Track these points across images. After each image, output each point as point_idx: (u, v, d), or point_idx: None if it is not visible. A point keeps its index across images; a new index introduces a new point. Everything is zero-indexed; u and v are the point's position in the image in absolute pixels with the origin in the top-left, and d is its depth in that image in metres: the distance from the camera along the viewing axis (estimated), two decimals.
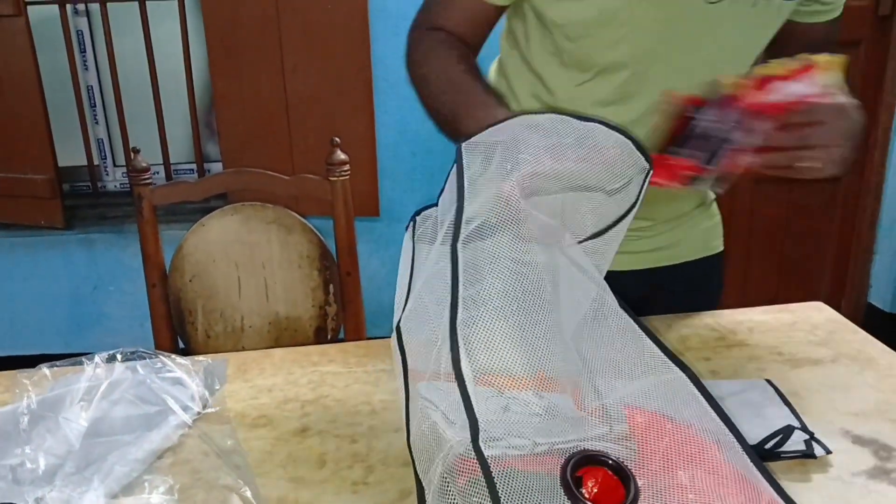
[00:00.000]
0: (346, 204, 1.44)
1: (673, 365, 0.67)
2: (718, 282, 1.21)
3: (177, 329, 1.49)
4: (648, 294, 1.12)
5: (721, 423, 0.63)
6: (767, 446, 0.77)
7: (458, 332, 0.60)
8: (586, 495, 0.56)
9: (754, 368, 0.96)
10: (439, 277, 0.67)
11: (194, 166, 2.54)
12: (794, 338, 1.04)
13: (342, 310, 1.50)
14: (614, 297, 0.72)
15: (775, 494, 0.57)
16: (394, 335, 0.79)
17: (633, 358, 0.69)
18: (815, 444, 0.77)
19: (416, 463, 0.65)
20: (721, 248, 1.19)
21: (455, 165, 0.72)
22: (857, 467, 0.76)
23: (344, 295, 1.48)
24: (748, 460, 0.59)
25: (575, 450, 0.60)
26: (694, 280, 1.17)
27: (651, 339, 0.69)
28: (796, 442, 0.77)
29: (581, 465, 0.59)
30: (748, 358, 0.99)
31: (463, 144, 0.73)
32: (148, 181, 1.41)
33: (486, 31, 1.02)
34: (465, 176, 0.70)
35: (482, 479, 0.53)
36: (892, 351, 1.00)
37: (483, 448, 0.55)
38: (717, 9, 0.88)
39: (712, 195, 1.16)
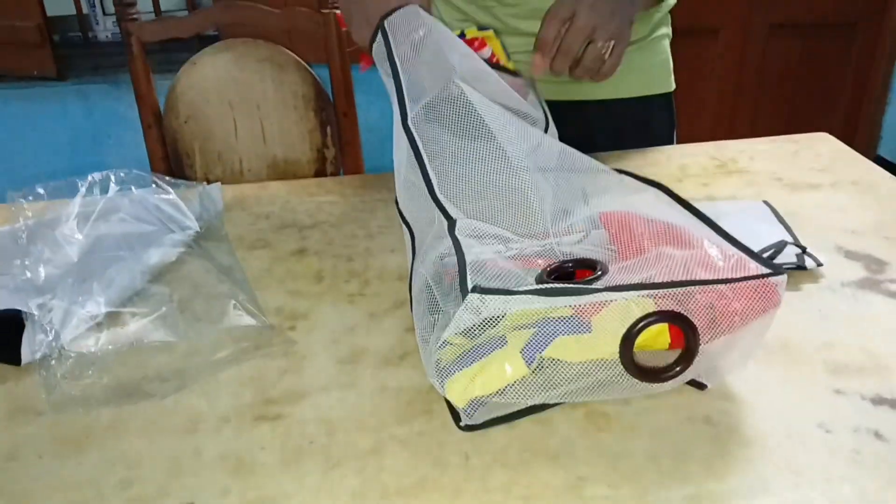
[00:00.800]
0: (340, 38, 1.39)
1: (649, 186, 0.67)
2: (668, 123, 1.15)
3: (175, 172, 1.49)
4: (582, 132, 1.03)
5: (699, 222, 0.63)
6: None
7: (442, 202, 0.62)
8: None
9: (753, 192, 0.95)
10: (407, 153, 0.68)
11: (186, 13, 2.44)
12: (796, 165, 1.03)
13: (340, 152, 1.48)
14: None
15: (750, 259, 0.57)
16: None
17: (603, 184, 0.68)
18: (806, 257, 0.77)
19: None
20: (670, 89, 1.12)
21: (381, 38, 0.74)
22: (847, 278, 0.77)
23: (342, 137, 1.46)
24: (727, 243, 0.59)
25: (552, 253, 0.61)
26: (633, 120, 1.11)
27: (617, 171, 0.69)
28: (788, 255, 0.78)
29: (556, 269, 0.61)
30: (747, 183, 0.98)
31: (385, 22, 0.75)
32: (135, 15, 1.36)
33: None
34: (396, 55, 0.73)
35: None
36: (894, 177, 0.99)
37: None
38: None
39: (658, 32, 1.08)
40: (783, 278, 0.54)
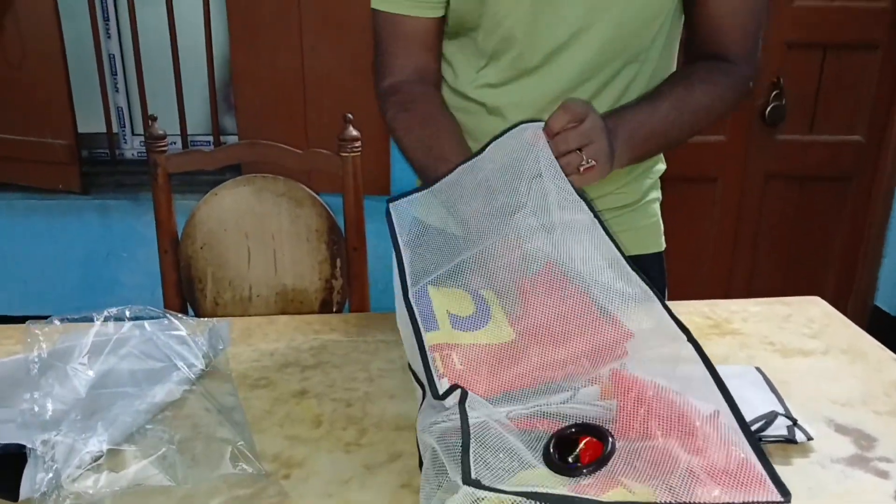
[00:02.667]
0: (356, 179, 1.46)
1: (683, 336, 0.67)
2: (660, 280, 1.18)
3: (186, 296, 1.52)
4: None
5: (719, 396, 0.63)
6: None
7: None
8: (578, 453, 0.60)
9: (745, 356, 0.98)
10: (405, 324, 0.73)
11: (211, 138, 2.57)
12: (788, 329, 1.06)
13: (348, 284, 1.52)
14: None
15: (758, 464, 0.58)
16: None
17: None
18: (797, 430, 0.79)
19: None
20: (660, 249, 1.16)
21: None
22: (837, 454, 0.78)
23: (350, 270, 1.51)
24: (740, 433, 0.60)
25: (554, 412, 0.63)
26: None
27: (663, 306, 0.69)
28: (779, 427, 0.79)
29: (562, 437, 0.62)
30: (740, 346, 1.01)
31: (390, 206, 0.84)
32: (163, 148, 1.44)
33: (435, 49, 1.03)
34: (399, 235, 0.80)
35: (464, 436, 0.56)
36: (883, 347, 1.01)
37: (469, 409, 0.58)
38: None
39: (649, 196, 1.14)
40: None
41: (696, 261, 2.51)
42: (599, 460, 0.58)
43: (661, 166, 1.14)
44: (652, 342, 0.68)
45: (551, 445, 0.61)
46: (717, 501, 0.54)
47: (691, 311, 1.10)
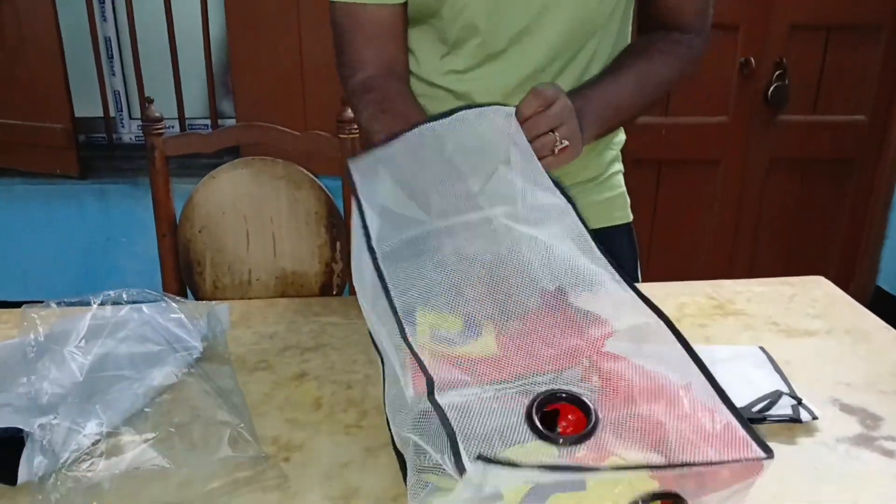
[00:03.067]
0: None
1: (651, 312, 0.67)
2: (630, 254, 1.18)
3: (185, 280, 1.52)
4: None
5: (694, 368, 0.63)
6: (755, 409, 0.78)
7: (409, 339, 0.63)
8: (559, 430, 0.58)
9: (749, 337, 0.97)
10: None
11: (208, 122, 2.55)
12: (792, 309, 1.05)
13: (348, 267, 1.51)
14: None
15: (739, 426, 0.58)
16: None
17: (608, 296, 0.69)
18: (801, 409, 0.78)
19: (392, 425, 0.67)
20: (626, 220, 1.16)
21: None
22: (843, 433, 0.77)
23: (350, 253, 1.50)
24: (718, 400, 0.60)
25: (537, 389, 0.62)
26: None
27: (625, 280, 0.69)
28: (784, 406, 0.79)
29: (543, 404, 0.61)
30: (744, 326, 1.00)
31: (350, 163, 0.81)
32: (161, 131, 1.42)
33: (401, 40, 1.00)
34: (360, 192, 0.77)
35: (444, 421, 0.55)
36: (888, 326, 1.00)
37: (438, 398, 0.57)
38: None
39: (612, 169, 1.14)
40: (770, 460, 0.55)
41: (698, 243, 2.50)
42: (586, 432, 0.58)
43: (622, 137, 1.16)
44: (626, 326, 0.67)
45: (536, 417, 0.60)
46: (711, 460, 0.55)
47: (695, 291, 1.09)
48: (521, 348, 0.67)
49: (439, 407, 0.56)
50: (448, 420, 0.55)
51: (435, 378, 0.60)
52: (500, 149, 0.81)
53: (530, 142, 0.80)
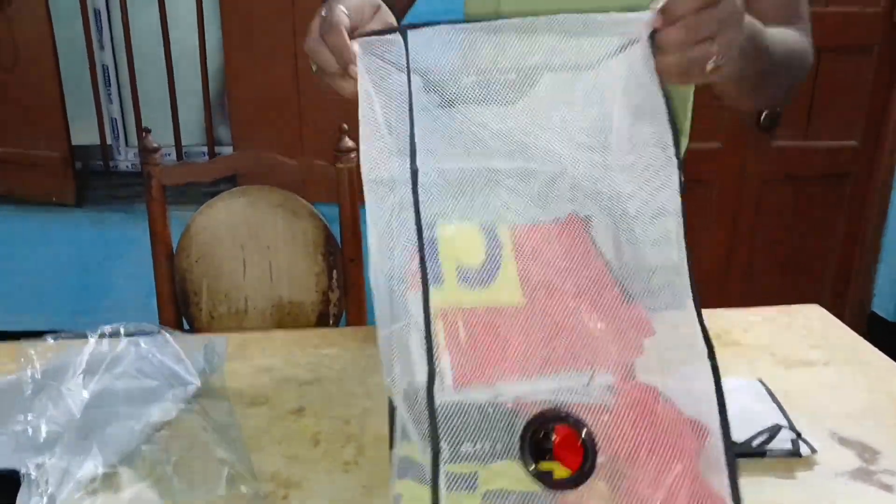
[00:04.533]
0: (352, 190, 1.45)
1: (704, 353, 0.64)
2: None
3: (181, 309, 1.51)
4: None
5: (716, 421, 0.62)
6: (755, 443, 0.78)
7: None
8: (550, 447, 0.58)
9: (747, 368, 0.97)
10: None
11: (205, 149, 2.56)
12: (789, 339, 1.05)
13: (345, 296, 1.51)
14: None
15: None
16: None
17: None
18: (801, 443, 0.78)
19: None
20: None
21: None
22: (842, 467, 0.77)
23: (347, 281, 1.50)
24: (722, 462, 0.59)
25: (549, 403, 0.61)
26: None
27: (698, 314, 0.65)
28: (783, 440, 0.78)
29: (551, 421, 0.60)
30: (741, 357, 1.00)
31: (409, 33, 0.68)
32: (158, 161, 1.43)
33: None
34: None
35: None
36: (885, 356, 1.00)
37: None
38: None
39: None
40: None
41: (696, 257, 2.51)
42: (578, 476, 0.57)
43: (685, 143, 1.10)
44: (670, 347, 0.65)
45: (528, 437, 0.59)
46: None
47: None
48: (546, 308, 0.64)
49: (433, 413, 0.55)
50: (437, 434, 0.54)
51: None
52: (611, 67, 0.67)
53: (676, 50, 0.63)
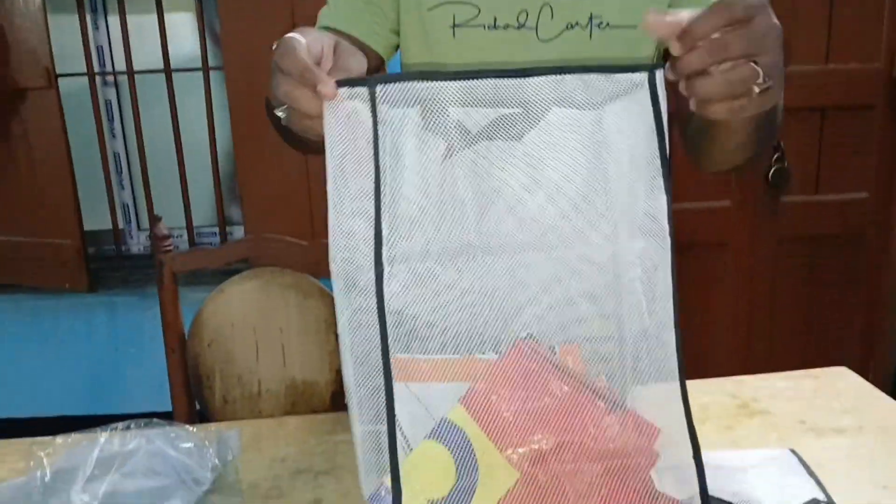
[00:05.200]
0: None
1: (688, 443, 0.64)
2: None
3: (194, 393, 1.49)
4: None
5: None
6: None
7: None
8: None
9: (777, 438, 0.94)
10: None
11: (217, 230, 2.58)
12: (818, 405, 1.02)
13: None
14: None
15: None
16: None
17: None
18: None
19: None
20: None
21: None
22: None
23: None
24: None
25: None
26: None
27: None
28: None
29: None
30: (771, 426, 0.96)
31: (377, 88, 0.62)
32: (169, 248, 1.43)
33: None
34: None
35: None
36: None
37: None
38: None
39: None
40: None
41: (712, 329, 2.46)
42: None
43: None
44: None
45: None
46: None
47: (715, 390, 1.07)
48: (547, 467, 0.62)
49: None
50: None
51: None
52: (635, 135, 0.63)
53: (704, 72, 0.56)
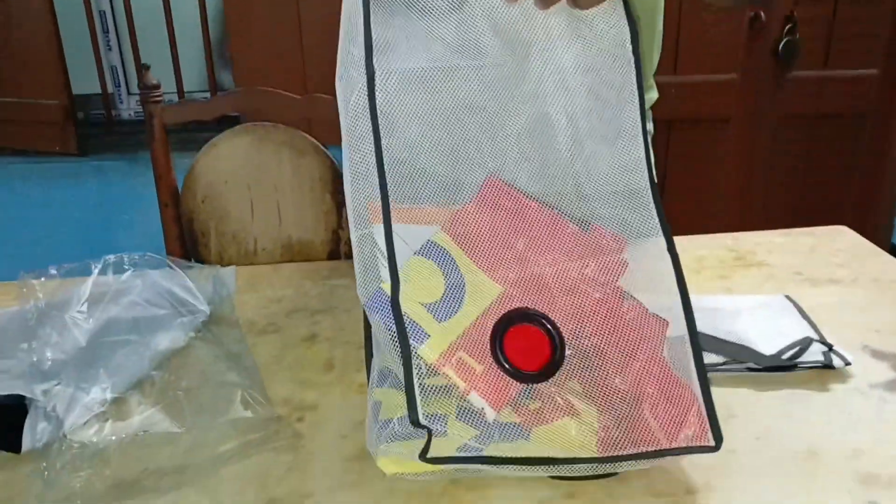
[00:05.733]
0: None
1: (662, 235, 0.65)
2: None
3: (190, 251, 1.49)
4: None
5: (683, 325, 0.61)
6: (785, 356, 0.75)
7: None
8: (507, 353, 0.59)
9: (772, 287, 0.94)
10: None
11: (208, 95, 2.51)
12: (815, 259, 1.01)
13: None
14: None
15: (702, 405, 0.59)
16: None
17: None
18: (833, 356, 0.75)
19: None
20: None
21: None
22: (876, 379, 0.74)
23: None
24: (691, 358, 0.60)
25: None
26: None
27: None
28: (814, 353, 0.76)
29: (516, 321, 0.60)
30: (766, 277, 0.96)
31: None
32: (158, 98, 1.38)
33: None
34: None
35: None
36: None
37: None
38: None
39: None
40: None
41: (709, 201, 2.46)
42: (548, 368, 0.58)
43: (653, 94, 1.09)
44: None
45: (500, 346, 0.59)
46: (658, 448, 0.56)
47: (714, 243, 1.06)
48: (526, 280, 0.63)
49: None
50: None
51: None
52: None
53: None
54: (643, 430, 0.56)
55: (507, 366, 0.58)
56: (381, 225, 0.57)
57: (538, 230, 0.63)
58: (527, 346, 0.59)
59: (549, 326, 0.59)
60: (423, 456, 0.53)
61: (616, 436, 0.56)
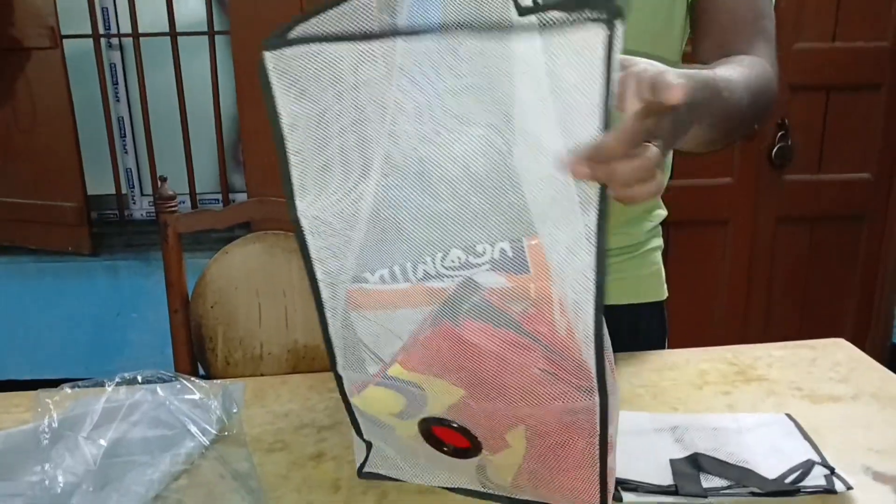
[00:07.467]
0: None
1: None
2: (660, 329, 1.14)
3: (197, 355, 1.50)
4: None
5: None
6: (787, 480, 0.76)
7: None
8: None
9: (773, 403, 0.95)
10: None
11: (220, 196, 2.58)
12: (815, 374, 1.03)
13: None
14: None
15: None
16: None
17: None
18: (835, 479, 0.76)
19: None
20: (662, 298, 1.12)
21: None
22: (878, 503, 0.75)
23: None
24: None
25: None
26: (623, 326, 1.06)
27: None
28: (816, 477, 0.76)
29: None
30: (767, 392, 0.98)
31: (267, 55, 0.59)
32: (173, 209, 1.44)
33: None
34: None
35: None
36: None
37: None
38: None
39: (650, 244, 1.09)
40: None
41: (710, 305, 2.48)
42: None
43: (662, 212, 1.13)
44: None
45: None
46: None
47: (713, 357, 1.08)
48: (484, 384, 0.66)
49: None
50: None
51: None
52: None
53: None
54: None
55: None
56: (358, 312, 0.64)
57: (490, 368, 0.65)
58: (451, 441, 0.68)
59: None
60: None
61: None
